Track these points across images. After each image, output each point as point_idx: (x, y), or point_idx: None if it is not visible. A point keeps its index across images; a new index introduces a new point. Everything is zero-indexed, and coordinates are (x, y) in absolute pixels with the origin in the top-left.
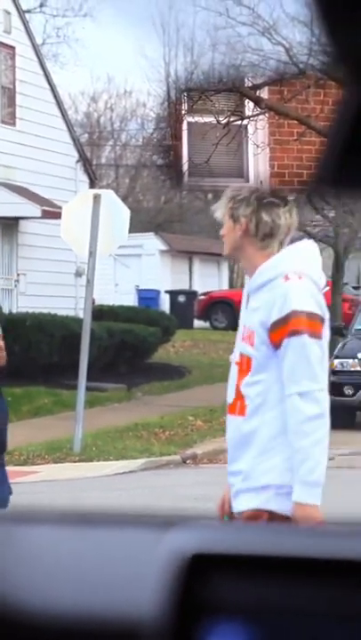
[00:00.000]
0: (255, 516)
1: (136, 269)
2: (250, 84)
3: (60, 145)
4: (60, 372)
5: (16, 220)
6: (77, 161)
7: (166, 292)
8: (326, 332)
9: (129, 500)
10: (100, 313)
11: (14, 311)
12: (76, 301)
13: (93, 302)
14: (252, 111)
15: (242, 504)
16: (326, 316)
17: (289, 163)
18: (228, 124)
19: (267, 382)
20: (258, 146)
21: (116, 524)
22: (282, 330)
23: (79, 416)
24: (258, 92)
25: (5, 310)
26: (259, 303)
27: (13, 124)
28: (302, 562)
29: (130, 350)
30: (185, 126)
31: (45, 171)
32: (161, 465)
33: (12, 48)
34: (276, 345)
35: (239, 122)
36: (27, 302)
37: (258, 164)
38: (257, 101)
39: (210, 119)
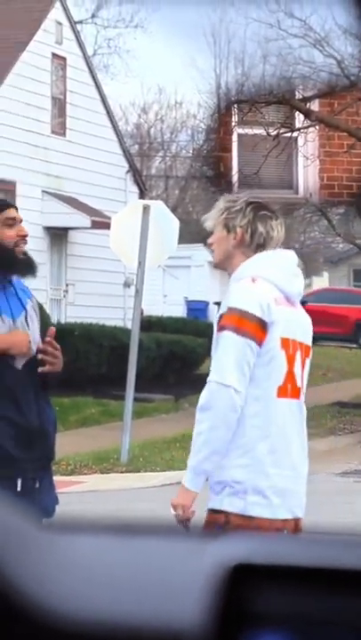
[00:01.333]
0: (212, 518)
1: (185, 281)
2: (300, 97)
3: (110, 155)
4: (108, 383)
5: (65, 230)
6: (127, 171)
7: (215, 303)
8: (272, 336)
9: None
10: (149, 324)
11: (63, 321)
12: (125, 312)
13: (142, 313)
14: (302, 123)
15: (209, 502)
16: (274, 318)
17: (339, 175)
18: (278, 135)
19: None
20: (307, 158)
21: (159, 534)
22: (218, 326)
23: (127, 426)
24: (308, 105)
25: (54, 320)
26: None
27: (63, 134)
28: (345, 573)
29: (178, 361)
30: (235, 138)
31: (95, 181)
32: None
33: (64, 59)
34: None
35: (289, 134)
36: (75, 312)
37: (307, 175)
38: (307, 114)
39: (260, 131)
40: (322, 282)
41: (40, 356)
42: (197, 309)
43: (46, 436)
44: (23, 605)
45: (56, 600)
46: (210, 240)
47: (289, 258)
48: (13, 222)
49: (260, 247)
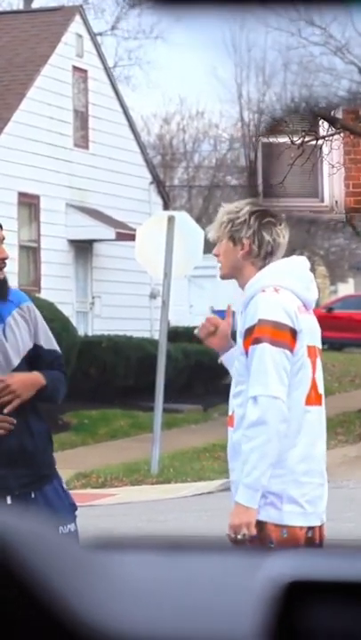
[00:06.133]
0: None
1: (211, 290)
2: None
3: (134, 167)
4: (136, 394)
5: (90, 242)
6: (151, 183)
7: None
8: (301, 344)
9: (208, 521)
10: (176, 334)
11: (90, 334)
12: (151, 323)
13: (168, 324)
14: (327, 131)
15: None
16: (301, 327)
17: None
18: (302, 144)
19: (246, 393)
20: (333, 166)
21: (212, 551)
22: (249, 338)
23: (156, 437)
24: (333, 113)
25: (81, 333)
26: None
27: (86, 147)
28: None
29: (206, 371)
30: (259, 147)
31: (119, 193)
32: None
33: (85, 71)
34: (247, 353)
35: (314, 142)
36: (102, 325)
37: (333, 183)
38: (332, 121)
39: (284, 139)
40: (347, 288)
41: None
42: (224, 319)
43: (32, 451)
44: (74, 626)
45: (108, 620)
46: (215, 251)
47: (303, 265)
48: None
49: (269, 255)
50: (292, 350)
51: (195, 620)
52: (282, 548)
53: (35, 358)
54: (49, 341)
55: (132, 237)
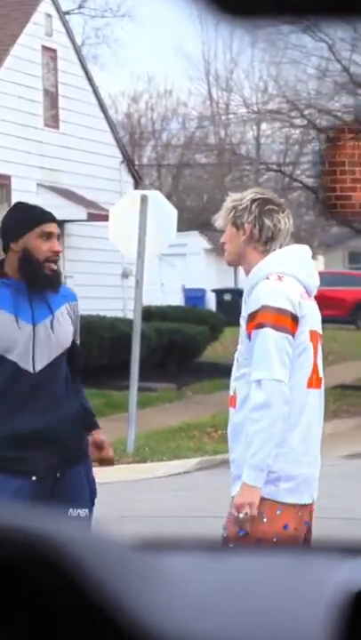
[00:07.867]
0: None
1: (181, 268)
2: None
3: (104, 146)
4: (110, 374)
5: (62, 223)
6: (122, 162)
7: (212, 290)
8: (303, 329)
9: (185, 500)
10: (148, 313)
11: None
12: (124, 302)
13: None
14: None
15: (235, 489)
16: (303, 313)
17: (341, 160)
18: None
19: (250, 375)
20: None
21: (258, 553)
22: (252, 323)
23: (132, 417)
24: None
25: None
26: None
27: (57, 127)
28: None
29: (179, 350)
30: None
31: (90, 173)
32: (215, 464)
33: (54, 51)
34: (250, 336)
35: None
36: None
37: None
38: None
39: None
40: (317, 265)
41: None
42: (195, 297)
43: (61, 433)
44: (129, 626)
45: (159, 622)
46: (223, 239)
47: (306, 252)
48: (48, 236)
49: (270, 240)
50: (293, 335)
51: (249, 624)
52: (272, 524)
53: (69, 352)
54: (79, 338)
55: (103, 217)
